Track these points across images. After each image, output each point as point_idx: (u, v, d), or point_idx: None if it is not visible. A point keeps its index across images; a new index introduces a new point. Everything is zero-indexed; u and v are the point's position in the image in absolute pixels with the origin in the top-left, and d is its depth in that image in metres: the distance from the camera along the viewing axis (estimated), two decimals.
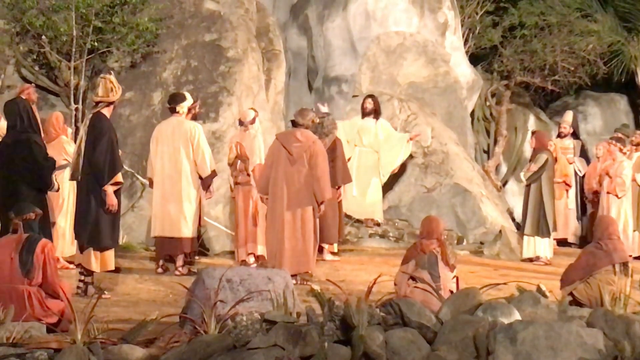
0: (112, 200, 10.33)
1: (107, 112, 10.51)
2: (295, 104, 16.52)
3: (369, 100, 15.27)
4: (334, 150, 13.24)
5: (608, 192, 14.96)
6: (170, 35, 15.15)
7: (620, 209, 14.84)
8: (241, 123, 12.89)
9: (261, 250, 12.45)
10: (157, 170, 12.00)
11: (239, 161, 12.61)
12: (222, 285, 8.39)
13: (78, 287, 10.46)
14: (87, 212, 10.35)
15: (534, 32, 18.85)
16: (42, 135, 10.93)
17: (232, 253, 13.04)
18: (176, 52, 15.12)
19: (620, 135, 15.79)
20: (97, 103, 10.53)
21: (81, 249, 10.50)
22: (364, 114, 15.18)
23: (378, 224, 15.20)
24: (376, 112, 15.19)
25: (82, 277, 10.55)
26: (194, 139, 11.87)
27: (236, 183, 12.71)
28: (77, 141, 10.54)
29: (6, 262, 8.64)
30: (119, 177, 10.43)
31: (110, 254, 10.56)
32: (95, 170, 10.31)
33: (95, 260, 10.43)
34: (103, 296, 10.21)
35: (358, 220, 15.10)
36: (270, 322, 7.84)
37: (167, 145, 11.93)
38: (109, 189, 10.32)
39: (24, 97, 11.41)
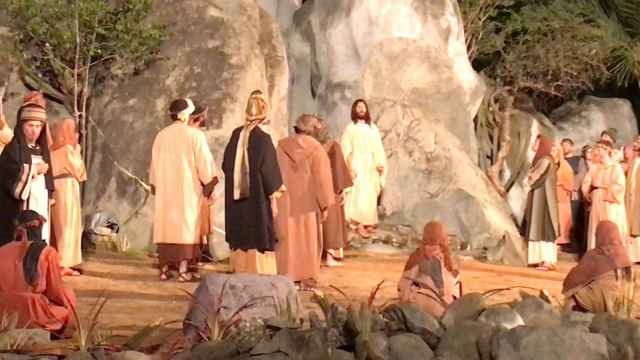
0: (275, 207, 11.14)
1: (264, 128, 11.23)
2: (298, 110, 16.52)
3: (361, 104, 15.13)
4: (333, 155, 13.18)
5: (605, 201, 14.73)
6: (173, 42, 15.17)
7: (616, 213, 14.58)
8: None
9: None
10: (159, 177, 12.00)
11: None
12: (225, 292, 8.38)
13: None
14: (259, 221, 10.98)
15: (536, 38, 18.87)
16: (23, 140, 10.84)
17: None
18: (179, 59, 15.14)
19: (608, 138, 15.66)
20: (252, 121, 11.15)
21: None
22: (358, 117, 14.98)
23: (375, 227, 15.20)
24: (368, 116, 15.15)
25: None
26: (195, 146, 11.87)
27: None
28: (239, 160, 11.01)
29: (10, 269, 8.63)
30: (283, 187, 11.09)
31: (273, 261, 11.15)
32: (265, 179, 10.96)
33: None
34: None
35: (357, 230, 15.07)
36: (274, 328, 7.84)
37: (169, 152, 11.93)
38: (276, 195, 11.06)
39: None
